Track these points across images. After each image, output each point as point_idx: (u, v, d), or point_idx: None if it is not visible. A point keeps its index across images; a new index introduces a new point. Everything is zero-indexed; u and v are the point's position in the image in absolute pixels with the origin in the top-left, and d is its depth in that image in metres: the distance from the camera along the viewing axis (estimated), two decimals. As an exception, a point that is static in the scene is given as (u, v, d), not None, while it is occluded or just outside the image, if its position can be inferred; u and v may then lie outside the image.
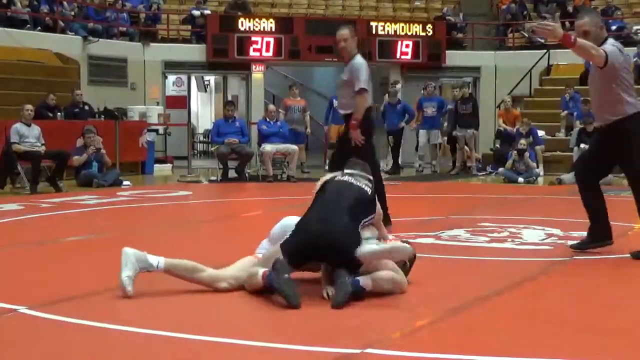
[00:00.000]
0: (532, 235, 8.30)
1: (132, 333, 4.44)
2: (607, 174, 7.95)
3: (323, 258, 5.37)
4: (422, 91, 19.75)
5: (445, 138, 19.38)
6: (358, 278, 5.14)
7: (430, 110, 18.96)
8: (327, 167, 18.41)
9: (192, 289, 5.37)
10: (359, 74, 8.58)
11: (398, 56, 21.88)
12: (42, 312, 4.87)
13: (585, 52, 6.73)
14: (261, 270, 5.23)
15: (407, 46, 21.92)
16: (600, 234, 7.20)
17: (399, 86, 20.13)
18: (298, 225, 5.45)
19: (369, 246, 5.38)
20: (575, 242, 7.34)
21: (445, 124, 19.24)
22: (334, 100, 18.72)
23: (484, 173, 18.26)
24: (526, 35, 22.95)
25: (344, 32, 8.81)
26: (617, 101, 6.89)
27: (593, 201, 7.18)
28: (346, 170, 5.93)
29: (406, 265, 5.62)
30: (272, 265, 5.14)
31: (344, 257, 5.24)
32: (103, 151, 15.09)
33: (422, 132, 19.11)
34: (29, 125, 13.88)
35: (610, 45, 6.89)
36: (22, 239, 8.24)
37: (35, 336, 4.44)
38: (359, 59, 8.70)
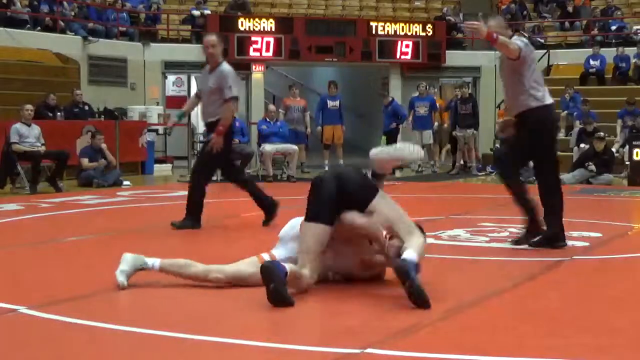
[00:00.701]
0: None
1: (132, 333, 4.44)
2: (525, 165, 8.55)
3: (349, 197, 5.47)
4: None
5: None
6: (404, 257, 5.11)
7: (422, 110, 18.95)
8: (326, 168, 18.50)
9: (192, 289, 5.37)
10: (227, 82, 8.61)
11: (398, 56, 21.89)
12: (42, 312, 4.86)
13: (505, 46, 7.16)
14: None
15: (407, 46, 21.93)
16: (535, 226, 7.43)
17: (389, 97, 19.94)
18: (314, 188, 5.57)
19: (381, 148, 5.96)
20: (534, 240, 7.41)
21: (436, 124, 19.21)
22: (328, 101, 18.77)
23: (484, 173, 18.26)
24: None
25: (213, 38, 8.81)
26: (524, 93, 7.27)
27: (520, 195, 7.49)
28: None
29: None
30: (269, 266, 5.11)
31: (367, 183, 5.56)
32: (106, 150, 15.10)
33: (415, 132, 19.08)
34: (29, 125, 13.89)
35: (519, 40, 7.36)
36: (22, 239, 8.24)
37: (35, 336, 4.44)
38: (226, 66, 8.70)
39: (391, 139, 19.18)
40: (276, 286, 4.95)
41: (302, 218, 5.64)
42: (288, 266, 5.14)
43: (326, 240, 5.48)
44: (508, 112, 7.80)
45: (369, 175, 5.88)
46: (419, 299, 4.91)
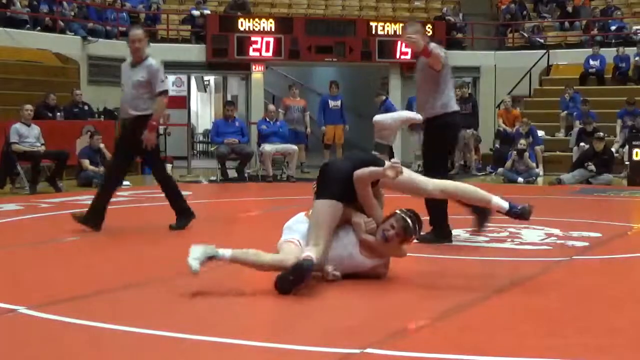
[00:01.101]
0: (532, 235, 8.30)
1: (131, 333, 4.44)
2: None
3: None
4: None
5: None
6: None
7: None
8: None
9: (191, 289, 5.36)
10: (159, 76, 8.56)
11: (398, 56, 21.86)
12: (42, 312, 4.86)
13: (436, 58, 7.37)
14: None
15: (406, 46, 21.87)
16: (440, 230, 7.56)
17: (382, 97, 19.85)
18: (323, 170, 5.80)
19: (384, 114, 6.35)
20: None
21: None
22: (329, 100, 18.78)
23: (483, 173, 18.26)
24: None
25: (139, 32, 8.76)
26: (437, 99, 7.56)
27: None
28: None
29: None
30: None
31: (377, 162, 5.70)
32: (105, 150, 15.08)
33: (412, 132, 19.04)
34: (28, 125, 13.88)
35: (439, 49, 7.58)
36: (22, 239, 8.24)
37: (35, 336, 4.44)
38: (153, 61, 8.62)
39: None
40: (294, 281, 5.16)
41: (304, 213, 5.70)
42: (314, 257, 5.28)
43: (338, 215, 5.57)
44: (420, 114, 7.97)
45: (374, 153, 5.99)
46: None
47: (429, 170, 7.37)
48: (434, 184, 5.85)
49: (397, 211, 5.71)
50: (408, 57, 21.89)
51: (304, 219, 5.73)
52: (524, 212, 5.77)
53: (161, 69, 8.65)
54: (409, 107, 19.17)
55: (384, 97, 19.36)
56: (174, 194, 8.85)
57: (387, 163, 5.61)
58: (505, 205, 5.79)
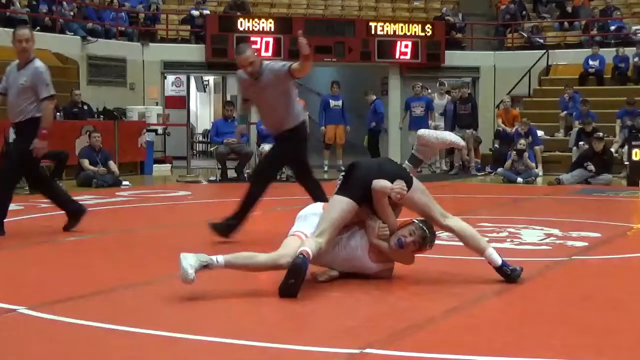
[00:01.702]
0: (531, 235, 8.30)
1: (131, 333, 4.44)
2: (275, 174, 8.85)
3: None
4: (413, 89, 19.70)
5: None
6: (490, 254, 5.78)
7: (418, 110, 18.94)
8: (325, 169, 18.50)
9: (189, 289, 5.36)
10: (43, 79, 8.03)
11: (397, 56, 21.87)
12: (42, 312, 4.87)
13: (308, 65, 7.44)
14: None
15: (406, 46, 21.91)
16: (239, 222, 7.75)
17: (372, 96, 19.83)
18: (349, 170, 5.83)
19: (428, 130, 6.42)
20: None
21: (432, 124, 19.14)
22: (330, 100, 18.79)
23: (483, 173, 18.26)
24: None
25: (26, 31, 8.25)
26: (291, 112, 7.78)
27: (252, 196, 7.75)
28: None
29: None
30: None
31: (404, 175, 5.77)
32: (111, 163, 15.07)
33: (412, 133, 19.06)
34: (28, 125, 13.86)
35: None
36: (22, 239, 8.23)
37: (35, 336, 4.44)
38: (39, 63, 8.15)
39: (373, 139, 19.16)
40: (295, 284, 5.18)
41: (322, 203, 5.72)
42: (310, 250, 5.28)
43: (350, 215, 5.62)
44: (272, 129, 8.14)
45: (406, 163, 6.05)
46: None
47: (306, 170, 7.92)
48: (449, 221, 5.89)
49: (415, 220, 5.81)
50: (407, 57, 21.93)
51: (320, 211, 5.76)
52: (514, 276, 5.73)
53: (46, 72, 8.10)
54: (408, 108, 19.22)
55: (373, 97, 19.37)
56: (57, 196, 8.67)
57: (398, 181, 5.65)
58: (498, 260, 5.76)
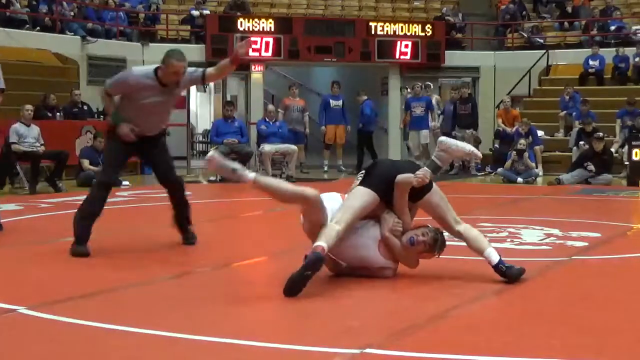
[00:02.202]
0: (531, 235, 8.30)
1: (131, 333, 4.44)
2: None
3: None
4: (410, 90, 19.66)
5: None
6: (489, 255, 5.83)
7: (418, 110, 18.93)
8: (325, 169, 18.49)
9: (188, 289, 5.36)
10: None
11: (397, 56, 21.87)
12: (42, 312, 4.87)
13: (229, 70, 7.31)
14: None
15: (406, 46, 21.91)
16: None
17: (363, 97, 19.78)
18: (372, 167, 5.99)
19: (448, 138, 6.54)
20: None
21: (433, 124, 19.08)
22: (331, 100, 18.81)
23: (483, 173, 18.26)
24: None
25: None
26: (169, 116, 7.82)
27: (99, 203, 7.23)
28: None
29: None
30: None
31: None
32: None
33: (412, 133, 19.05)
34: (28, 126, 13.89)
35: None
36: (22, 239, 8.23)
37: (35, 336, 4.44)
38: None
39: (361, 139, 19.09)
40: (308, 277, 5.20)
41: (339, 194, 5.90)
42: (327, 245, 5.35)
43: (370, 207, 5.72)
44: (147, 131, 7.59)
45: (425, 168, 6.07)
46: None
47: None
48: (460, 227, 6.01)
49: (429, 225, 5.95)
50: (408, 57, 21.94)
51: (339, 198, 5.82)
52: (509, 273, 5.78)
53: None
54: (408, 108, 19.20)
55: (364, 98, 19.36)
56: None
57: (422, 169, 5.85)
58: (494, 259, 5.84)
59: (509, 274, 5.77)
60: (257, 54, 21.13)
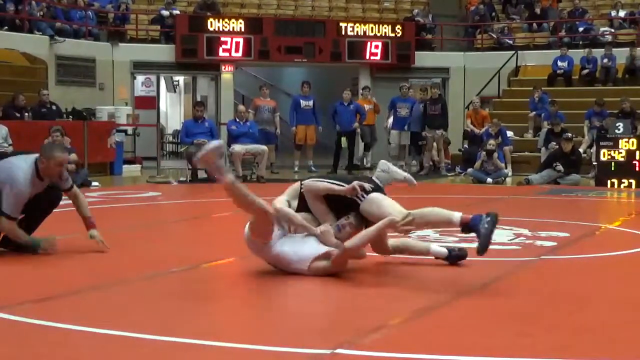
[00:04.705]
0: (501, 235, 8.31)
1: (100, 335, 4.41)
2: None
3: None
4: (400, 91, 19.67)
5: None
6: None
7: (403, 111, 18.96)
8: (296, 169, 18.50)
9: (161, 290, 5.33)
10: None
11: (367, 57, 21.92)
12: (8, 313, 4.81)
13: None
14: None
15: (376, 47, 21.97)
16: None
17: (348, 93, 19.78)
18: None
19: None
20: None
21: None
22: (301, 101, 18.80)
23: (452, 174, 18.33)
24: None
25: None
26: None
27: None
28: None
29: None
30: None
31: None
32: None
33: (394, 132, 19.10)
34: (-5, 126, 13.78)
35: None
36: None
37: (1, 338, 4.39)
38: None
39: (350, 139, 19.01)
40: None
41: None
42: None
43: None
44: None
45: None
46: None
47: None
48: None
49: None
50: (378, 57, 21.99)
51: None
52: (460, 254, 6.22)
53: None
54: (392, 107, 19.19)
55: (351, 98, 19.38)
56: None
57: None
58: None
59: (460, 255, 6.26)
60: (227, 54, 21.10)
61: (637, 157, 14.88)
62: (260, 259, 6.08)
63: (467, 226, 5.75)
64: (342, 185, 6.00)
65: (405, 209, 5.87)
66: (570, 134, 16.38)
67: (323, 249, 5.80)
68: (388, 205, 5.94)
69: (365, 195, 6.00)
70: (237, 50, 21.07)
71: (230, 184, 5.55)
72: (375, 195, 6.03)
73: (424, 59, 22.63)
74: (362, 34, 21.95)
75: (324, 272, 5.78)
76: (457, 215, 5.85)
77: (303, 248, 5.84)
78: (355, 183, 5.98)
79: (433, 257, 6.54)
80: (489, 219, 5.67)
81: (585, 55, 21.25)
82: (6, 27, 19.18)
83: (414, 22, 23.24)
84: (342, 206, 6.05)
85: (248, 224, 5.93)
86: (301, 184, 6.21)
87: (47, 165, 6.60)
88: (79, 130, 16.69)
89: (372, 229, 5.80)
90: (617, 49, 21.29)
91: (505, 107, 21.23)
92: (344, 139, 18.95)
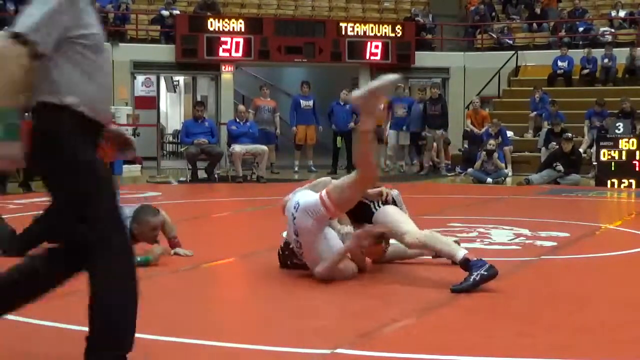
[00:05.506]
0: (501, 235, 8.34)
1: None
2: None
3: None
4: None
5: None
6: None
7: (400, 111, 18.94)
8: (295, 169, 18.50)
9: (160, 291, 5.32)
10: None
11: (367, 57, 21.91)
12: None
13: None
14: None
15: (376, 47, 21.96)
16: None
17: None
18: None
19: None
20: None
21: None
22: (301, 101, 18.79)
23: (452, 174, 18.32)
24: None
25: None
26: None
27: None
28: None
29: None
30: None
31: None
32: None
33: (391, 132, 19.09)
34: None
35: None
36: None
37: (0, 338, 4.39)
38: None
39: (346, 139, 18.99)
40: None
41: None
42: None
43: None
44: None
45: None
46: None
47: None
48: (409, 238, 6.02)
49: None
50: (378, 57, 21.98)
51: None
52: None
53: None
54: (389, 109, 19.18)
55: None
56: None
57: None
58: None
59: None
60: (227, 54, 21.09)
61: (637, 157, 14.89)
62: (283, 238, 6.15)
63: (466, 264, 5.64)
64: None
65: (418, 228, 5.96)
66: (570, 134, 16.38)
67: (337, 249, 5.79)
68: (402, 222, 5.96)
69: (381, 205, 5.98)
70: (237, 50, 21.07)
71: (371, 131, 5.55)
72: (391, 208, 6.02)
73: (424, 59, 22.63)
74: (362, 34, 21.94)
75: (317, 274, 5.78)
76: (461, 253, 5.74)
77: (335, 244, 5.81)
78: (383, 188, 6.02)
79: (431, 257, 6.52)
80: (486, 273, 5.51)
81: (585, 55, 21.25)
82: (6, 27, 19.19)
83: (414, 22, 23.24)
84: (356, 213, 5.99)
85: (331, 186, 5.73)
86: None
87: (141, 231, 6.57)
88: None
89: (341, 249, 5.74)
90: (617, 49, 21.29)
91: (505, 107, 21.23)
92: (339, 139, 18.91)
